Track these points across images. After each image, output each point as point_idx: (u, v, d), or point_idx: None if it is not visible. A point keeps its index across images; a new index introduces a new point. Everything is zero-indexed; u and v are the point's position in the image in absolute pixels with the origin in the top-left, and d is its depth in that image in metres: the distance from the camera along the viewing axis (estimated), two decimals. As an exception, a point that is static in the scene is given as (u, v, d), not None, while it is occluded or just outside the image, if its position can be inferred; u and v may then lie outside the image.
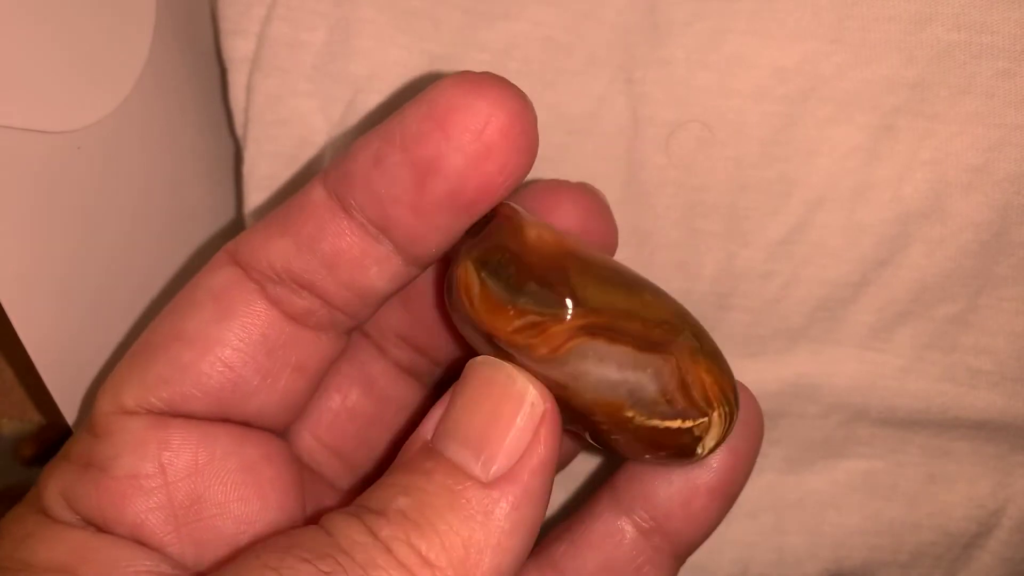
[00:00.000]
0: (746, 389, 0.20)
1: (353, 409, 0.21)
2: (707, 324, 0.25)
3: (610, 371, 0.16)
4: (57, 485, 0.17)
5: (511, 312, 0.16)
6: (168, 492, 0.17)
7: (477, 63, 0.24)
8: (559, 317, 0.16)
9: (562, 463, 0.23)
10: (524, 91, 0.24)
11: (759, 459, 0.26)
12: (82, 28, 0.21)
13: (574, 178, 0.24)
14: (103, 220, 0.22)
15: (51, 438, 0.48)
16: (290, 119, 0.24)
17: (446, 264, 0.19)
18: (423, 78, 0.24)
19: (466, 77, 0.16)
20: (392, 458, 0.17)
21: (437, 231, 0.17)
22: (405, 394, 0.22)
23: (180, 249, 0.25)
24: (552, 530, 0.21)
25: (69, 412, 0.21)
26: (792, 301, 0.24)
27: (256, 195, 0.25)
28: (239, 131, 0.25)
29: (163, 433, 0.17)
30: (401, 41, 0.24)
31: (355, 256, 0.17)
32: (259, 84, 0.24)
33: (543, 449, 0.16)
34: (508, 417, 0.16)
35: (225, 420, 0.18)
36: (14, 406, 0.31)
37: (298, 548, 0.15)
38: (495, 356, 0.17)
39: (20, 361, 0.30)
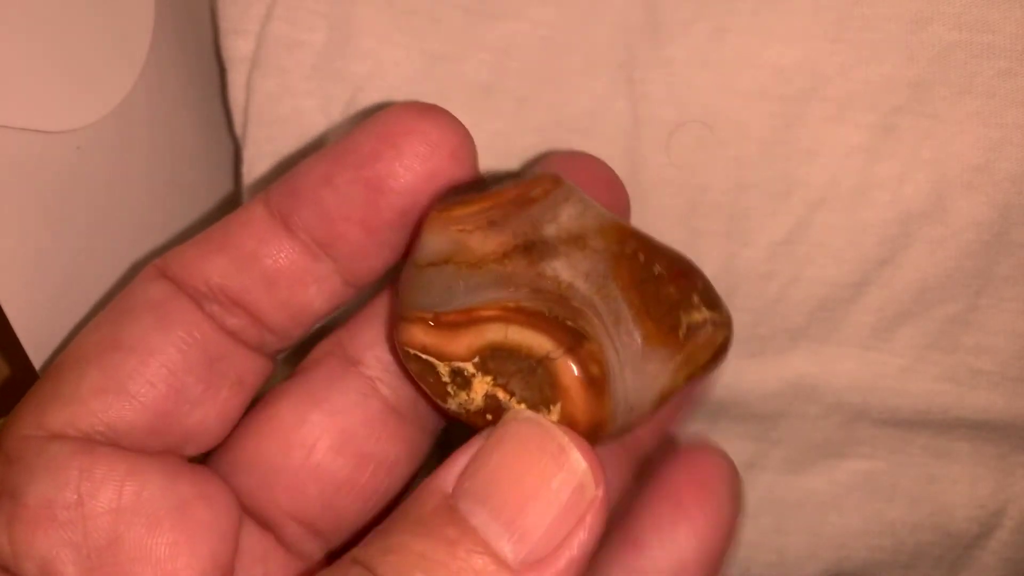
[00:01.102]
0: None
1: (318, 468, 0.18)
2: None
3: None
4: None
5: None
6: (84, 528, 0.15)
7: (477, 62, 0.24)
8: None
9: None
10: (524, 91, 0.24)
11: (760, 459, 0.26)
12: (81, 28, 0.21)
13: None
14: (102, 220, 0.22)
15: (50, 438, 0.47)
16: (289, 118, 0.24)
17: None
18: (423, 79, 0.24)
19: (416, 105, 0.17)
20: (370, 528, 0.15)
21: (384, 248, 0.17)
22: (393, 451, 0.18)
23: (180, 249, 0.25)
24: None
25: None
26: (793, 301, 0.24)
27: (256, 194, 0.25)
28: (238, 131, 0.25)
29: (86, 460, 0.15)
30: (401, 41, 0.24)
31: (295, 274, 0.17)
32: (258, 83, 0.24)
33: (586, 536, 0.14)
34: (553, 493, 0.14)
35: (162, 448, 0.17)
36: (13, 406, 0.31)
37: None
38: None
39: (19, 361, 0.30)
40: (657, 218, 0.24)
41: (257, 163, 0.25)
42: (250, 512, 0.18)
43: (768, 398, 0.25)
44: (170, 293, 0.17)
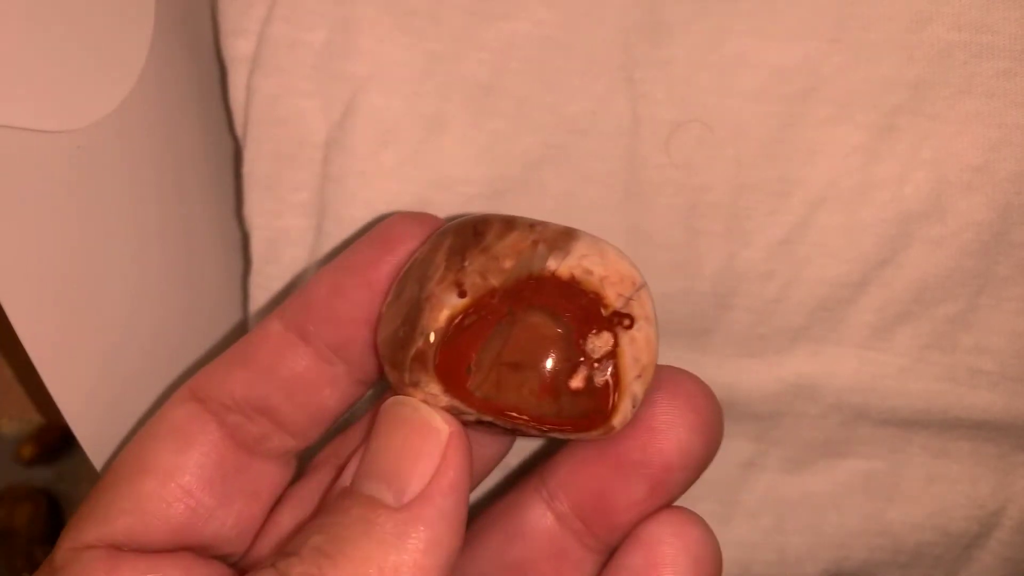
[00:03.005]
0: (689, 376, 0.19)
1: None
2: (707, 324, 0.25)
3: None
4: None
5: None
6: None
7: (477, 62, 0.24)
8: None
9: (489, 465, 0.22)
10: (524, 91, 0.24)
11: (759, 459, 0.26)
12: (82, 27, 0.21)
13: (575, 178, 0.24)
14: (103, 219, 0.22)
15: (51, 438, 0.48)
16: (290, 119, 0.24)
17: None
18: (423, 79, 0.24)
19: (409, 214, 0.20)
20: None
21: None
22: None
23: (179, 248, 0.25)
24: (474, 520, 0.21)
25: (68, 412, 0.21)
26: (792, 301, 0.24)
27: (255, 195, 0.25)
28: (239, 131, 0.25)
29: (113, 562, 0.18)
30: (402, 41, 0.24)
31: (311, 379, 0.20)
32: (259, 84, 0.24)
33: (452, 471, 0.17)
34: (416, 446, 0.17)
35: (183, 549, 0.19)
36: (13, 406, 0.31)
37: None
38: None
39: (20, 361, 0.30)
40: (657, 218, 0.24)
41: (258, 163, 0.25)
42: None
43: (768, 398, 0.25)
44: (194, 415, 0.20)
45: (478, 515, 0.21)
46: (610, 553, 0.20)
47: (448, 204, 0.24)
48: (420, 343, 0.18)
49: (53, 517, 0.47)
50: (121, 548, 0.19)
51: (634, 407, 0.18)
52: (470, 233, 0.19)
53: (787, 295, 0.24)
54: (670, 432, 0.19)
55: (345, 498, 0.17)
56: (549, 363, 0.18)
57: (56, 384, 0.21)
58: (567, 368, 0.18)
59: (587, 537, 0.20)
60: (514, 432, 0.19)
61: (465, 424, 0.18)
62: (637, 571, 0.19)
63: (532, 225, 0.19)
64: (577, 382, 0.18)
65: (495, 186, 0.24)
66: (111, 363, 0.23)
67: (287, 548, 0.17)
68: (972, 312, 0.24)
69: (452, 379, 0.18)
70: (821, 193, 0.23)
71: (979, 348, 0.24)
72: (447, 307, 0.18)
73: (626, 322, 0.18)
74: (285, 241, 0.25)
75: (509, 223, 0.19)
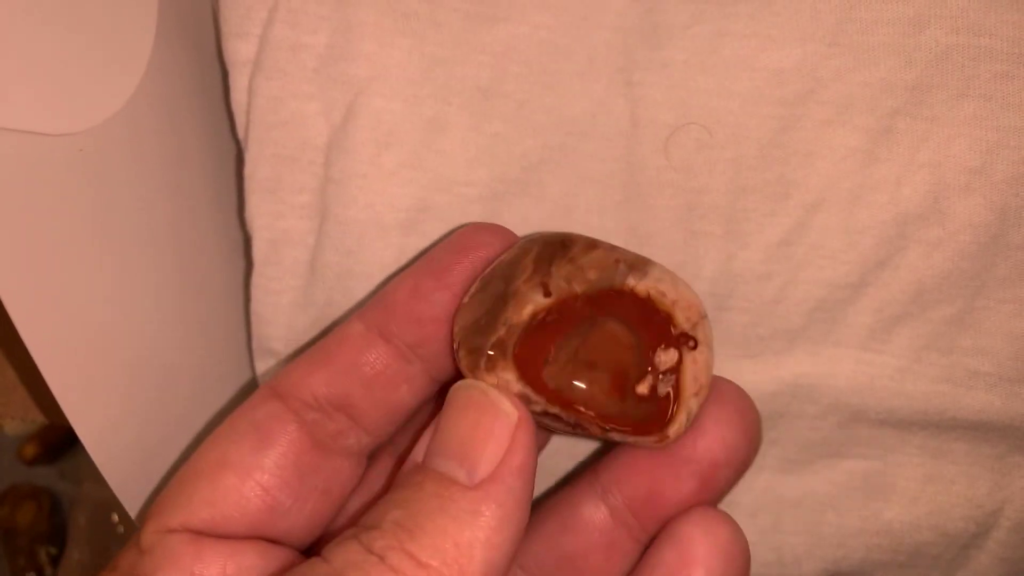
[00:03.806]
0: (732, 385, 0.21)
1: None
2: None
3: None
4: None
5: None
6: None
7: (477, 65, 0.24)
8: None
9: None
10: (524, 93, 0.25)
11: (758, 459, 0.26)
12: (84, 31, 0.21)
13: (574, 180, 0.24)
14: (105, 222, 0.22)
15: (53, 438, 0.48)
16: (291, 121, 0.24)
17: None
18: (424, 82, 0.24)
19: (482, 225, 0.22)
20: None
21: None
22: None
23: (181, 250, 0.25)
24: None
25: (71, 412, 0.21)
26: (790, 302, 0.24)
27: (257, 197, 0.25)
28: (240, 133, 0.25)
29: (196, 547, 0.19)
30: (402, 44, 0.24)
31: (390, 376, 0.21)
32: (260, 86, 0.24)
33: (521, 453, 0.18)
34: (486, 427, 0.18)
35: (257, 538, 0.20)
36: (16, 406, 0.31)
37: None
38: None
39: (22, 361, 0.30)
40: (655, 220, 0.24)
41: (259, 165, 0.25)
42: None
43: (766, 398, 0.25)
44: (274, 413, 0.21)
45: (533, 508, 0.22)
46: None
47: (448, 206, 0.24)
48: (502, 332, 0.19)
49: (55, 516, 0.47)
50: (203, 534, 0.20)
51: (688, 421, 0.20)
52: (558, 244, 0.20)
53: (785, 296, 0.24)
54: (717, 432, 0.20)
55: (418, 473, 0.18)
56: (621, 366, 0.19)
57: (59, 384, 0.21)
58: (636, 374, 0.19)
59: (637, 530, 0.21)
60: (574, 428, 0.20)
61: (533, 413, 0.19)
62: (670, 568, 0.20)
63: (613, 247, 0.21)
64: (643, 388, 0.19)
65: (495, 188, 0.24)
66: (113, 362, 0.23)
67: (367, 521, 0.17)
68: (970, 314, 0.24)
69: (528, 368, 0.19)
70: (819, 195, 0.23)
71: (977, 350, 0.24)
72: (532, 303, 0.19)
73: (691, 343, 0.20)
74: (287, 243, 0.25)
75: (593, 242, 0.21)
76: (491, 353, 0.19)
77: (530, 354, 0.19)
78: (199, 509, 0.20)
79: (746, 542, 0.20)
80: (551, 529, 0.22)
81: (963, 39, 0.22)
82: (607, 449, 0.22)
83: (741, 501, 0.27)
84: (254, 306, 0.26)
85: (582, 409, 0.19)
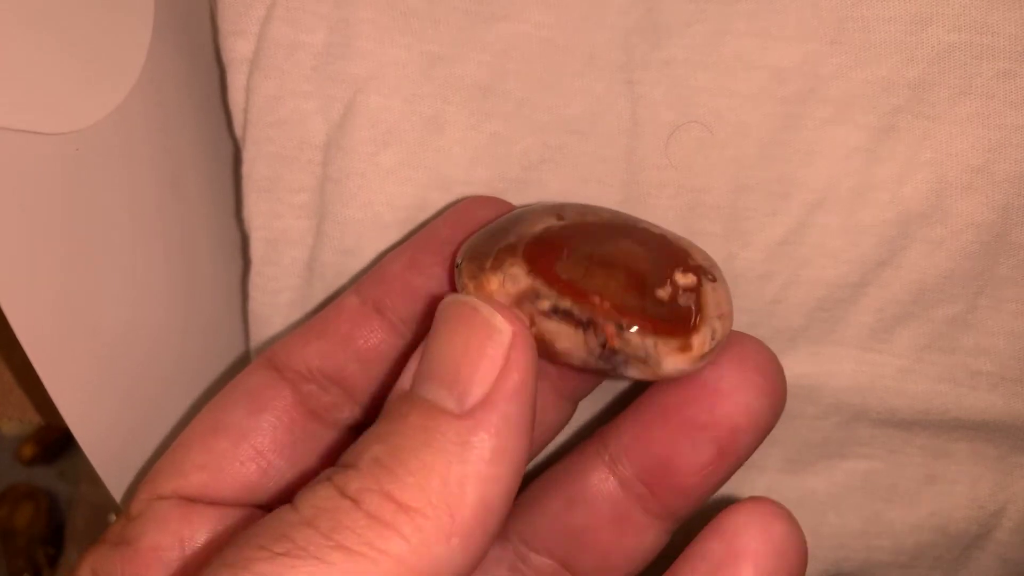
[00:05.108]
0: (753, 339, 0.19)
1: None
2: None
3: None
4: (90, 562, 0.19)
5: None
6: (185, 564, 0.19)
7: (476, 64, 0.24)
8: None
9: (548, 434, 0.22)
10: (523, 92, 0.24)
11: (759, 459, 0.26)
12: (81, 29, 0.21)
13: (574, 179, 0.24)
14: (101, 221, 0.22)
15: (50, 438, 0.48)
16: (289, 120, 0.24)
17: None
18: (423, 80, 0.24)
19: (481, 198, 0.22)
20: None
21: None
22: None
23: (179, 250, 0.25)
24: (531, 483, 0.21)
25: (68, 413, 0.21)
26: (791, 302, 0.24)
27: (255, 196, 0.25)
28: (238, 132, 0.25)
29: (185, 511, 0.19)
30: (401, 42, 0.24)
31: (384, 351, 0.20)
32: (258, 85, 0.24)
33: (517, 373, 0.16)
34: (477, 347, 0.16)
35: (252, 505, 0.20)
36: (13, 407, 0.31)
37: (257, 536, 0.14)
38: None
39: (19, 362, 0.30)
40: (656, 219, 0.24)
41: (257, 164, 0.25)
42: None
43: (767, 399, 0.25)
44: (270, 381, 0.20)
45: (536, 479, 0.21)
46: (675, 520, 0.20)
47: (448, 205, 0.24)
48: (512, 239, 0.18)
49: (53, 517, 0.47)
50: (194, 500, 0.19)
51: (713, 342, 0.18)
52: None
53: (786, 296, 0.24)
54: (737, 394, 0.18)
55: (404, 403, 0.16)
56: (639, 273, 0.18)
57: (55, 385, 0.21)
58: (655, 280, 0.18)
59: (651, 502, 0.19)
60: (588, 327, 0.17)
61: (539, 315, 0.17)
62: (716, 560, 0.17)
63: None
64: (663, 293, 0.18)
65: (494, 187, 0.24)
66: (110, 364, 0.23)
67: (345, 459, 0.15)
68: (972, 313, 0.24)
69: (539, 262, 0.17)
70: (820, 194, 0.23)
71: (979, 349, 0.24)
72: (544, 224, 0.19)
73: (710, 276, 0.19)
74: (285, 242, 0.25)
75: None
76: (497, 255, 0.17)
77: (541, 252, 0.18)
78: (191, 474, 0.19)
79: (804, 541, 0.18)
80: (555, 503, 0.20)
81: (965, 37, 0.22)
82: (616, 413, 0.20)
83: (742, 501, 0.27)
84: (252, 306, 0.26)
85: (597, 300, 0.17)
